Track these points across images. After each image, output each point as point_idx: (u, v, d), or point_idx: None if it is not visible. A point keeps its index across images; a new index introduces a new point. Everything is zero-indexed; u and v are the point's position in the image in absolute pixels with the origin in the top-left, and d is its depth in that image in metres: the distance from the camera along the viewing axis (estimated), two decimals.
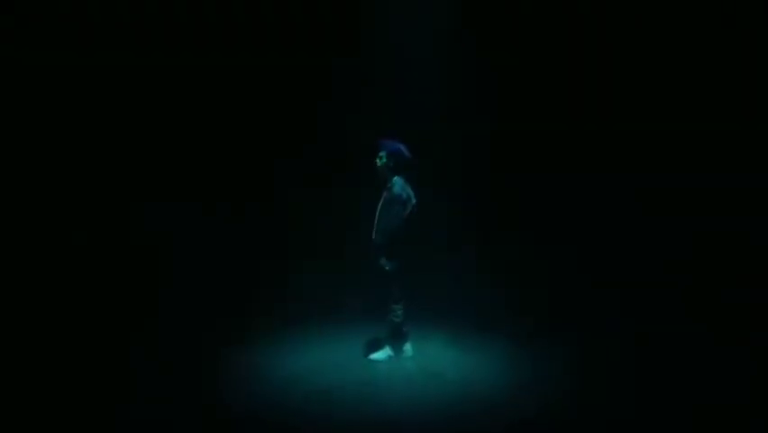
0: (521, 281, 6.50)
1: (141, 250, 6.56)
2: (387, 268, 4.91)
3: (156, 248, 6.55)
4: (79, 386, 4.48)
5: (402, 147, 4.96)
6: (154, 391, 4.41)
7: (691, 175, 6.09)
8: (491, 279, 6.45)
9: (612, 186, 6.41)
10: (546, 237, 6.67)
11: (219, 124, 6.60)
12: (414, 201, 4.97)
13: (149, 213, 6.51)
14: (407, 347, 5.16)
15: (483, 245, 6.67)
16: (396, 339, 5.10)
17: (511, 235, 6.70)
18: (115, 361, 4.93)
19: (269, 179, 6.72)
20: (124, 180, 6.55)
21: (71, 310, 5.78)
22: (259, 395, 4.40)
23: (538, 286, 6.46)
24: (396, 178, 4.97)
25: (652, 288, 6.08)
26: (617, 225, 6.39)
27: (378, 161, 4.97)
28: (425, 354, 5.21)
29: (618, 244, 6.40)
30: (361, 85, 6.40)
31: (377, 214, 5.00)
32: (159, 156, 6.61)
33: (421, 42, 6.25)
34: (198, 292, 6.21)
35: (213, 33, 6.31)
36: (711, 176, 6.02)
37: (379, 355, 5.11)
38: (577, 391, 4.53)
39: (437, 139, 6.31)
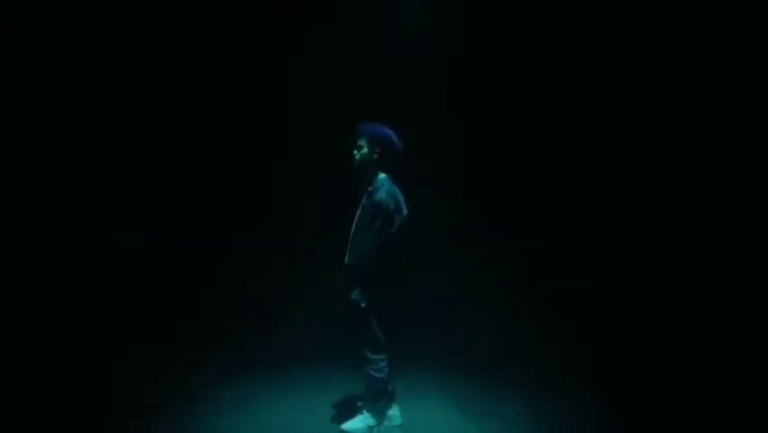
0: (535, 309, 5.29)
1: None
2: (362, 304, 3.52)
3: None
4: None
5: (391, 133, 3.58)
6: None
7: None
8: (496, 308, 5.29)
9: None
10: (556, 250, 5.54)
11: None
12: (405, 213, 3.60)
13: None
14: (394, 412, 3.77)
15: (486, 261, 5.51)
16: (377, 401, 3.69)
17: (517, 249, 5.55)
18: None
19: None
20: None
21: None
22: None
23: (558, 314, 5.24)
24: (382, 176, 3.59)
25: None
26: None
27: (356, 151, 3.58)
28: (417, 421, 3.84)
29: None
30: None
31: (353, 227, 3.61)
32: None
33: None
34: (124, 327, 4.84)
35: None
36: None
37: (355, 425, 3.70)
38: None
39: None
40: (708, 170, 5.00)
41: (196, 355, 4.72)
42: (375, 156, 3.54)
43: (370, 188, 3.55)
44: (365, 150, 3.55)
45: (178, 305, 5.13)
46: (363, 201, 3.58)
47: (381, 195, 3.48)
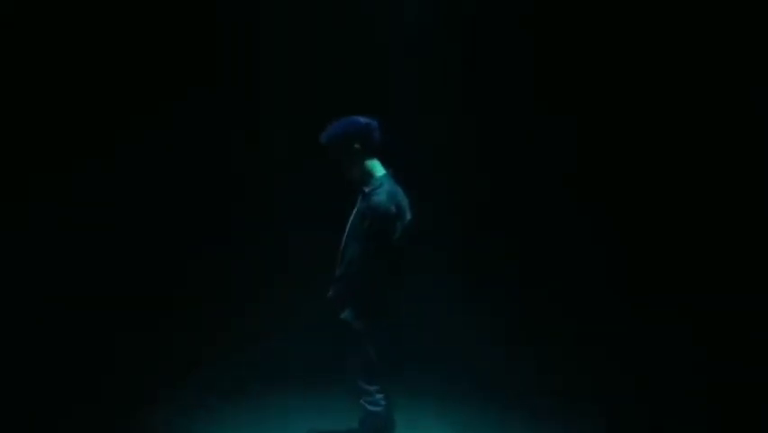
0: (536, 311, 5.07)
1: None
2: (354, 325, 3.01)
3: None
4: None
5: (355, 118, 3.01)
6: None
7: None
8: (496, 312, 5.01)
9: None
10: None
11: None
12: (408, 218, 3.07)
13: None
14: None
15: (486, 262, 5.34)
16: None
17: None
18: None
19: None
20: None
21: None
22: None
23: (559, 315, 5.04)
24: (380, 174, 3.03)
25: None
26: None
27: (340, 166, 3.05)
28: None
29: None
30: None
31: (345, 234, 3.07)
32: None
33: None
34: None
35: None
36: None
37: None
38: None
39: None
40: (708, 170, 5.01)
41: (194, 357, 4.56)
42: (359, 153, 2.99)
43: (367, 189, 2.99)
44: (345, 157, 3.00)
45: (178, 306, 4.98)
46: (358, 204, 3.04)
47: (380, 197, 2.92)
